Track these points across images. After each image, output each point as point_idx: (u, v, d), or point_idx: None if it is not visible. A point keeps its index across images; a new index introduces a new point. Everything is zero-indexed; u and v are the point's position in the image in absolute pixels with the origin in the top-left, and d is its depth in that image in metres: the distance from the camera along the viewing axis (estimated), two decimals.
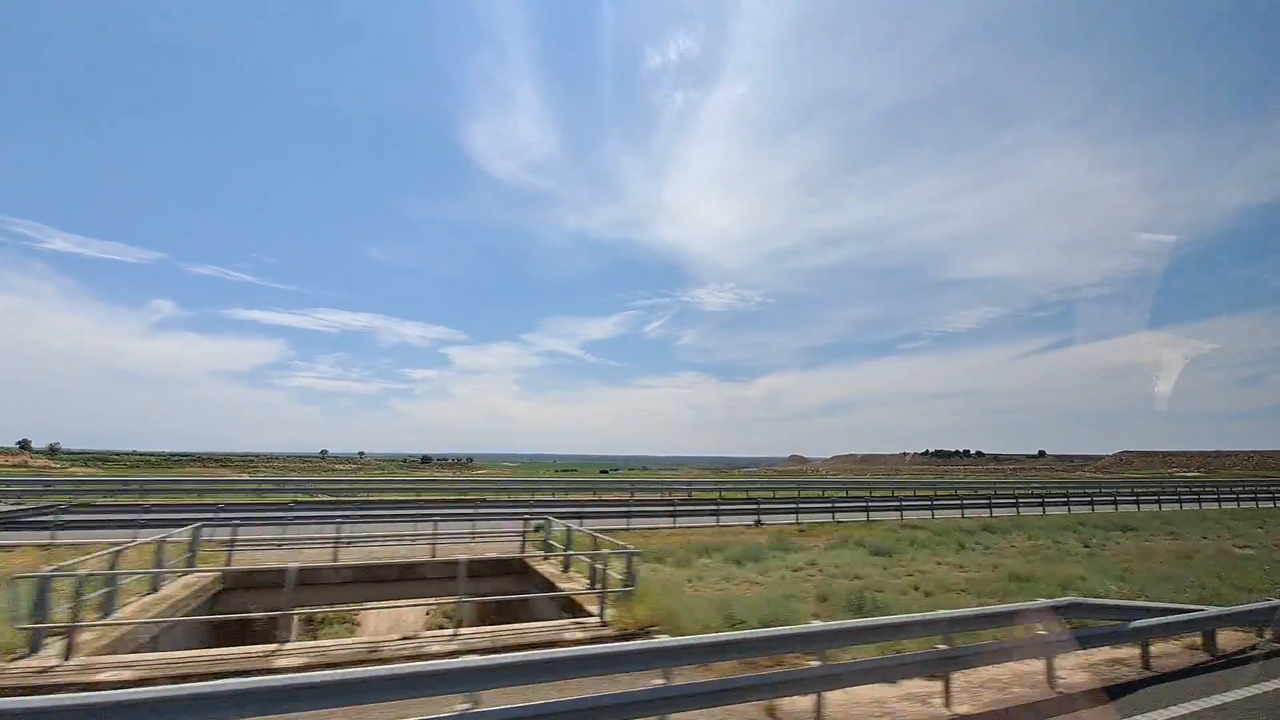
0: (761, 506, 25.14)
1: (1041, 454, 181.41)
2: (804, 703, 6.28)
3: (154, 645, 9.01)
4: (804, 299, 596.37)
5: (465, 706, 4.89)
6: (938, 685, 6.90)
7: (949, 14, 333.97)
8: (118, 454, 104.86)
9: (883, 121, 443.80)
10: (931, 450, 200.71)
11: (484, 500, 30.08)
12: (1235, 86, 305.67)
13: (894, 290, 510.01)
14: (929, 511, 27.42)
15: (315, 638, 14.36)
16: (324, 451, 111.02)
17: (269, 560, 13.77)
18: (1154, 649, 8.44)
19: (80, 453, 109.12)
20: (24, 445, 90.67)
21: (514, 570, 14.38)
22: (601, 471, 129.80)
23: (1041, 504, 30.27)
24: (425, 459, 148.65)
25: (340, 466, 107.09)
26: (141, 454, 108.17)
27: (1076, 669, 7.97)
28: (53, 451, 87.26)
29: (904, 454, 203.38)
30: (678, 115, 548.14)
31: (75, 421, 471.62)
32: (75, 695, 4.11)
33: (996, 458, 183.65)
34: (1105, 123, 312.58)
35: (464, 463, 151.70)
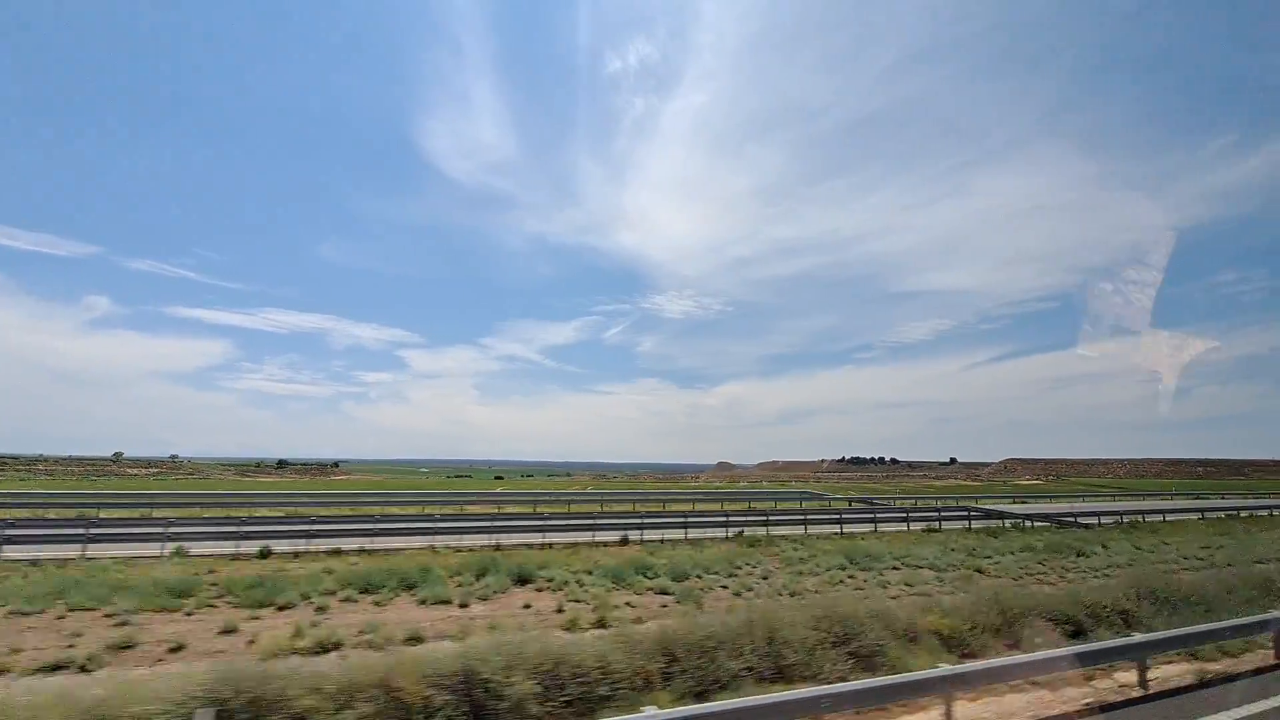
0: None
1: (953, 461, 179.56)
2: None
3: None
4: (762, 308, 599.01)
5: None
6: None
7: (902, 34, 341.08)
8: None
9: (839, 135, 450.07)
10: (848, 457, 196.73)
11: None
12: (1168, 116, 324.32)
13: (849, 301, 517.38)
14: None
15: None
16: (118, 454, 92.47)
17: None
18: None
19: None
20: None
21: None
22: (497, 478, 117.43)
23: (804, 523, 19.74)
24: (281, 463, 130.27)
25: (133, 471, 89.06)
26: None
27: None
28: None
29: (821, 461, 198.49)
30: (637, 121, 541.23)
31: (5, 422, 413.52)
32: None
33: (911, 465, 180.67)
34: (1047, 146, 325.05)
35: (328, 468, 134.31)
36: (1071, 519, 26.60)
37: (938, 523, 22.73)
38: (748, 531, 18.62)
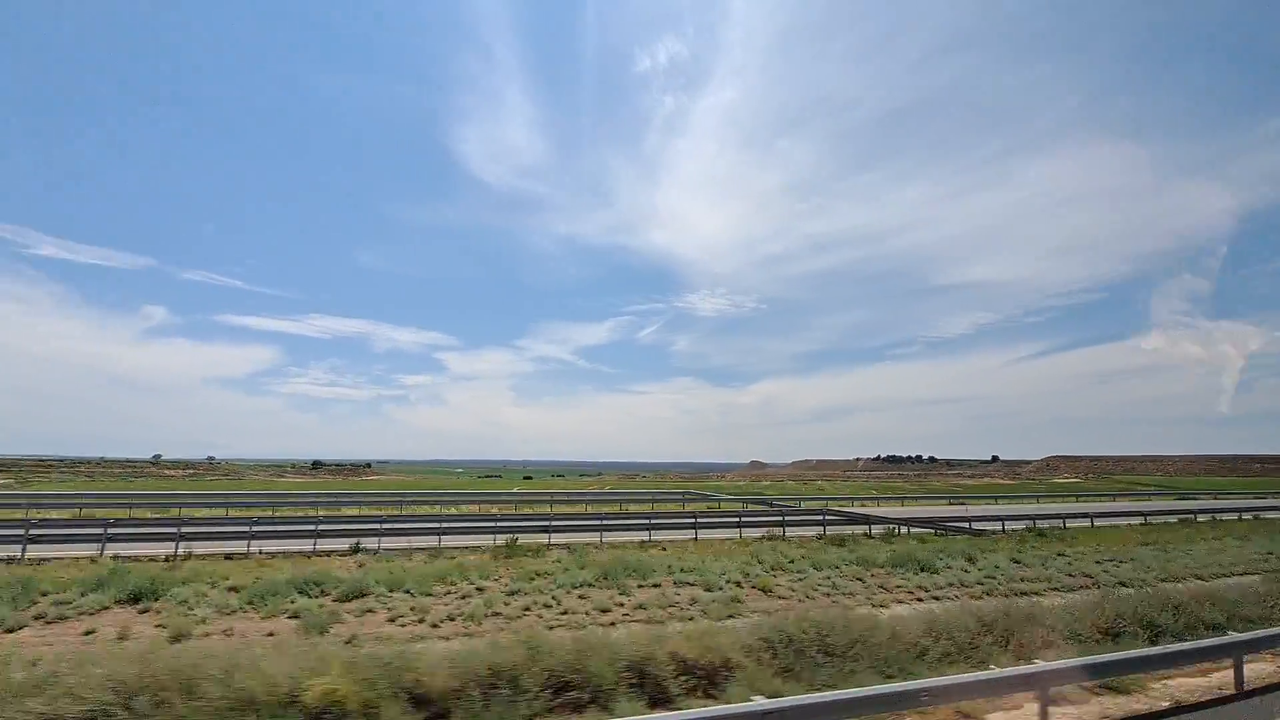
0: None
1: (994, 459, 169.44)
2: None
3: None
4: (796, 304, 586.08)
5: None
6: None
7: (936, 20, 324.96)
8: None
9: (871, 127, 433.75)
10: (884, 456, 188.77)
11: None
12: (1224, 95, 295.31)
13: (885, 296, 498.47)
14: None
15: None
16: (157, 456, 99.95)
17: None
18: None
19: None
20: None
21: None
22: (525, 478, 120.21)
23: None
24: (316, 464, 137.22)
25: (171, 472, 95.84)
26: None
27: None
28: None
29: (856, 460, 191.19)
30: (667, 120, 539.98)
31: (70, 429, 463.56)
32: None
33: (950, 463, 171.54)
34: (1092, 130, 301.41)
35: (360, 469, 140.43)
36: (966, 524, 24.27)
37: (781, 529, 21.13)
38: (524, 539, 17.84)
